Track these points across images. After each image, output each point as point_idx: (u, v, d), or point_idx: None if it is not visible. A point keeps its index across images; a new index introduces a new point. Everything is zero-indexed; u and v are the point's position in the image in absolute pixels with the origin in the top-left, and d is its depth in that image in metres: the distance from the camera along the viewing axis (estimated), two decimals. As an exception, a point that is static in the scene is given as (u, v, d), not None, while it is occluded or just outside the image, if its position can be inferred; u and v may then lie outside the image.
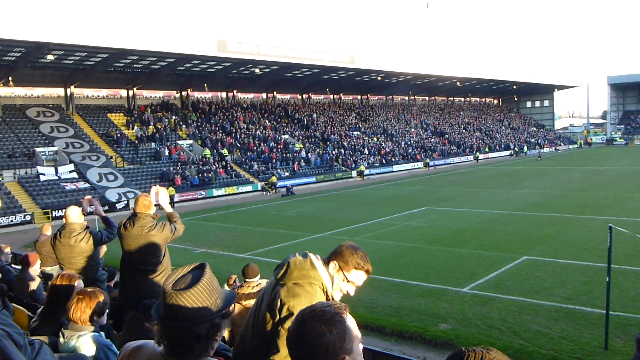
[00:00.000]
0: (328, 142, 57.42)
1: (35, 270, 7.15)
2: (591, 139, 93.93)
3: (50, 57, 38.10)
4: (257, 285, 6.74)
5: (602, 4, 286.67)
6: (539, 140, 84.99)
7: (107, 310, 3.65)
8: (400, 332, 11.79)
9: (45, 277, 7.52)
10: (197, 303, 1.99)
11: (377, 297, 14.26)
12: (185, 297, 1.98)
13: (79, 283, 4.07)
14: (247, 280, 6.98)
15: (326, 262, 2.94)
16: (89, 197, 7.14)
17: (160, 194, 6.10)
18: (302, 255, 2.97)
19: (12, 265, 9.21)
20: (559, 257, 17.45)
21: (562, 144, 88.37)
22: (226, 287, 12.35)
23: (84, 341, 3.34)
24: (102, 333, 3.55)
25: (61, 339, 3.36)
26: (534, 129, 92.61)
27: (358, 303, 12.90)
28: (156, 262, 5.91)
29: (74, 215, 6.46)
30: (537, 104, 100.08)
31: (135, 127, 46.75)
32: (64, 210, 6.97)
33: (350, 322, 1.76)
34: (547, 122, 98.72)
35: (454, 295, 14.12)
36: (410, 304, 13.58)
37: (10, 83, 40.88)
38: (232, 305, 2.14)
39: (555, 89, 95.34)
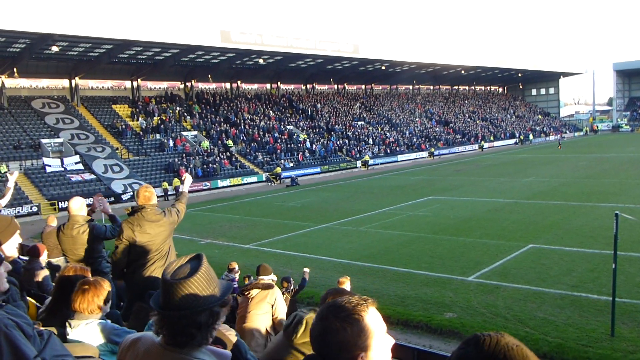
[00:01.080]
0: (332, 132, 57.33)
1: (42, 261, 7.19)
2: (597, 126, 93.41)
3: (54, 49, 38.12)
4: (269, 281, 6.95)
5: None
6: (544, 128, 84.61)
7: (112, 299, 3.66)
8: (406, 321, 11.84)
9: (51, 268, 7.57)
10: (196, 292, 2.02)
11: (382, 286, 14.31)
12: (185, 287, 2.02)
13: (84, 274, 4.08)
14: (260, 277, 7.20)
15: None
16: (99, 195, 7.14)
17: (187, 180, 6.58)
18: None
19: (20, 257, 9.26)
20: (564, 245, 17.42)
21: (567, 132, 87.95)
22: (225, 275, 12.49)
23: (92, 329, 3.37)
24: (109, 320, 3.58)
25: (68, 329, 3.39)
26: (540, 116, 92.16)
27: (364, 293, 12.93)
28: (163, 254, 5.92)
29: (76, 206, 6.49)
30: (543, 91, 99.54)
31: (140, 119, 46.80)
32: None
33: (371, 318, 1.74)
34: (553, 109, 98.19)
35: (459, 284, 14.13)
36: (416, 293, 13.61)
37: (16, 74, 40.95)
38: (230, 294, 2.17)
39: (561, 76, 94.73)
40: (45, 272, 6.63)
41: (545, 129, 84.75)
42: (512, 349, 1.48)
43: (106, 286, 3.54)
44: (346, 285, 10.17)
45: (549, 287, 13.36)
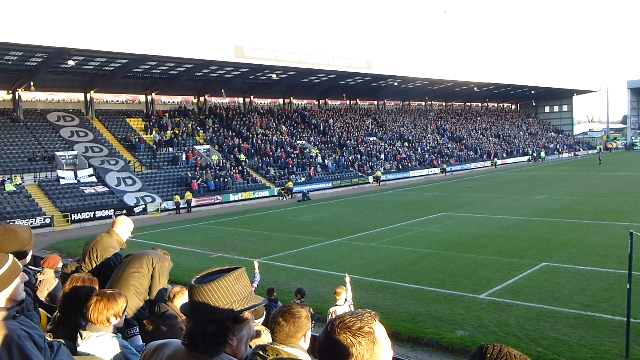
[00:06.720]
0: (344, 148, 57.39)
1: (56, 271, 7.25)
2: (610, 144, 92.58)
3: (70, 63, 38.66)
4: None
5: (622, 8, 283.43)
6: (557, 146, 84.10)
7: (125, 314, 3.67)
8: (417, 338, 11.73)
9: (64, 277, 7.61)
10: (208, 300, 2.02)
11: (393, 302, 14.21)
12: (199, 292, 2.03)
13: (92, 284, 4.09)
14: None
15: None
16: None
17: None
18: None
19: (31, 267, 9.33)
20: (578, 264, 17.23)
21: (581, 149, 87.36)
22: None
23: (102, 342, 3.37)
24: (120, 335, 3.58)
25: (79, 340, 3.40)
26: (553, 134, 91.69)
27: (374, 309, 12.82)
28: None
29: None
30: (556, 108, 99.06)
31: (154, 132, 47.20)
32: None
33: (379, 331, 1.77)
34: (566, 127, 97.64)
35: (470, 301, 14.00)
36: (427, 310, 13.49)
37: (32, 88, 41.63)
38: (251, 312, 2.13)
39: (574, 94, 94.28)
40: (56, 282, 6.67)
41: (558, 146, 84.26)
42: (515, 357, 1.56)
43: (121, 301, 3.55)
44: (341, 296, 10.13)
45: (562, 306, 13.19)
